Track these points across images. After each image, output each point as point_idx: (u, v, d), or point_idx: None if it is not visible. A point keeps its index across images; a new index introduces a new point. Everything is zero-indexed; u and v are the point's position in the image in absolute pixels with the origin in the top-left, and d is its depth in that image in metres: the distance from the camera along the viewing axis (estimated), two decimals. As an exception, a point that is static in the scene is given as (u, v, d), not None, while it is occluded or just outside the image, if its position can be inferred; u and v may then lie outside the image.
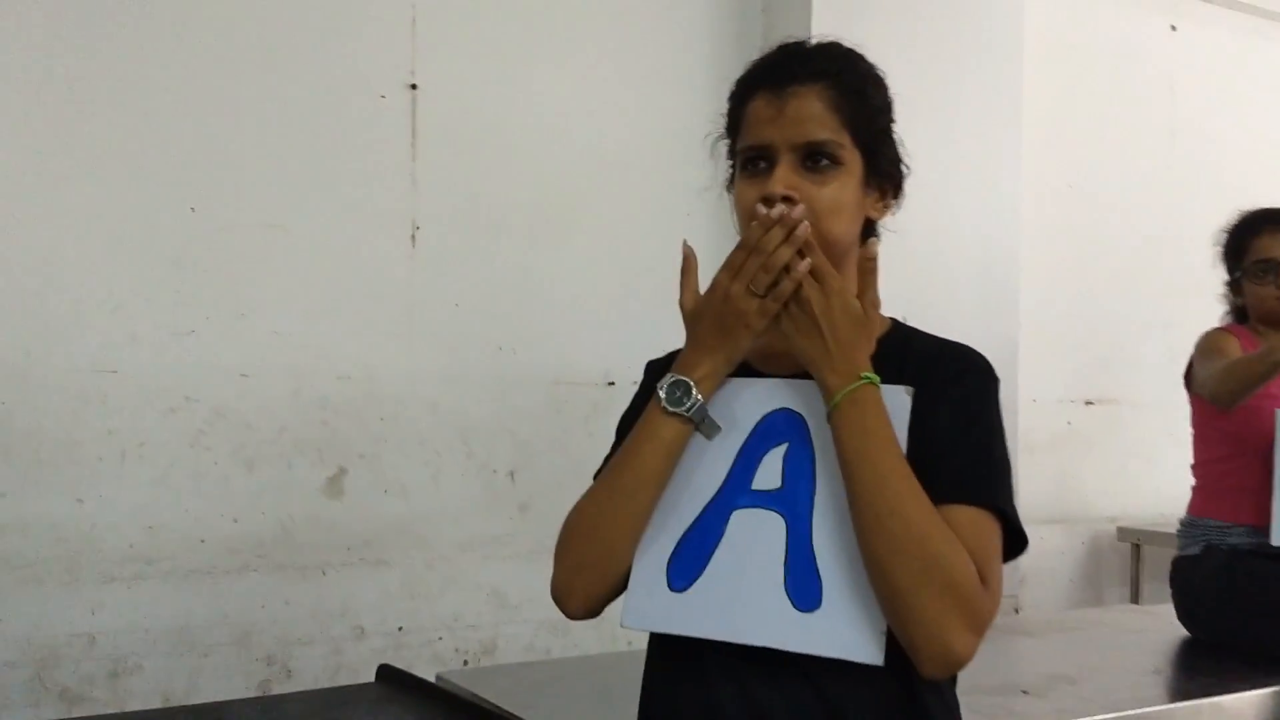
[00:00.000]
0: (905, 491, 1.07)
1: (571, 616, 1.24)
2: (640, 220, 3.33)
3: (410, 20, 2.97)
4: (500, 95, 3.10)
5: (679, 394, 1.17)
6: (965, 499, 1.10)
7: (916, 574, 1.04)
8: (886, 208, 1.25)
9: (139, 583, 2.66)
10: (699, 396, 1.16)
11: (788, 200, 1.14)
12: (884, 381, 1.13)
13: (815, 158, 1.16)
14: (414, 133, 2.98)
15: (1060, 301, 4.09)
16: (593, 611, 1.22)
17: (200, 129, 2.70)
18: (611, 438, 3.13)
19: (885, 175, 1.23)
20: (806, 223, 1.12)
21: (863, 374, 1.11)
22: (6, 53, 2.49)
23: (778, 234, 1.11)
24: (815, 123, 1.15)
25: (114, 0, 2.59)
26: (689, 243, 1.29)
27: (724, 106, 1.33)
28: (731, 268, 1.15)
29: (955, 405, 1.15)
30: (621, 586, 1.22)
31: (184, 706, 1.67)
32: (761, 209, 1.14)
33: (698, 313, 1.21)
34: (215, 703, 1.82)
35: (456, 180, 3.04)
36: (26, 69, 2.51)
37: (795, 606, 1.10)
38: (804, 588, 1.10)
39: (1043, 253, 4.00)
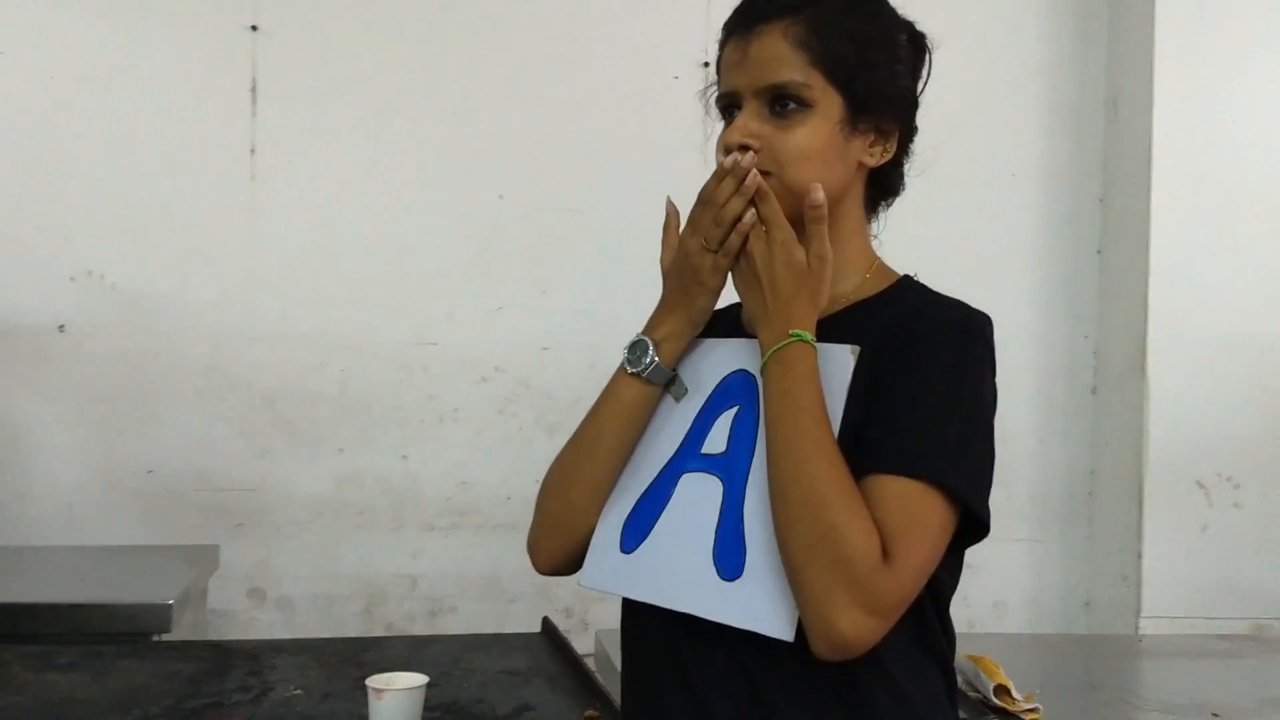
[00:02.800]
0: (811, 456, 0.94)
1: (540, 572, 1.17)
2: (950, 188, 3.03)
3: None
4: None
5: (638, 353, 1.09)
6: (897, 469, 0.94)
7: (809, 545, 0.92)
8: (885, 152, 1.07)
9: (454, 532, 2.89)
10: (655, 357, 1.07)
11: (746, 149, 1.02)
12: (856, 341, 1.00)
13: (781, 101, 1.02)
14: (707, 111, 2.94)
15: None
16: (559, 569, 1.14)
17: (506, 123, 2.87)
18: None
19: (879, 114, 1.05)
20: (755, 171, 1.00)
21: (792, 331, 0.98)
22: (342, 71, 2.81)
23: (729, 185, 1.01)
24: (777, 63, 1.02)
25: (426, 22, 2.85)
26: (669, 201, 1.17)
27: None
28: (691, 223, 1.06)
29: (913, 367, 0.98)
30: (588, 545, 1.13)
31: (348, 639, 1.79)
32: (721, 159, 1.04)
33: (667, 271, 1.12)
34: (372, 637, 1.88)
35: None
36: (355, 83, 2.82)
37: (719, 574, 1.00)
38: (729, 556, 1.00)
39: None
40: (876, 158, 1.07)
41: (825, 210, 1.00)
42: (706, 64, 2.91)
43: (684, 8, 2.92)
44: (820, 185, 1.00)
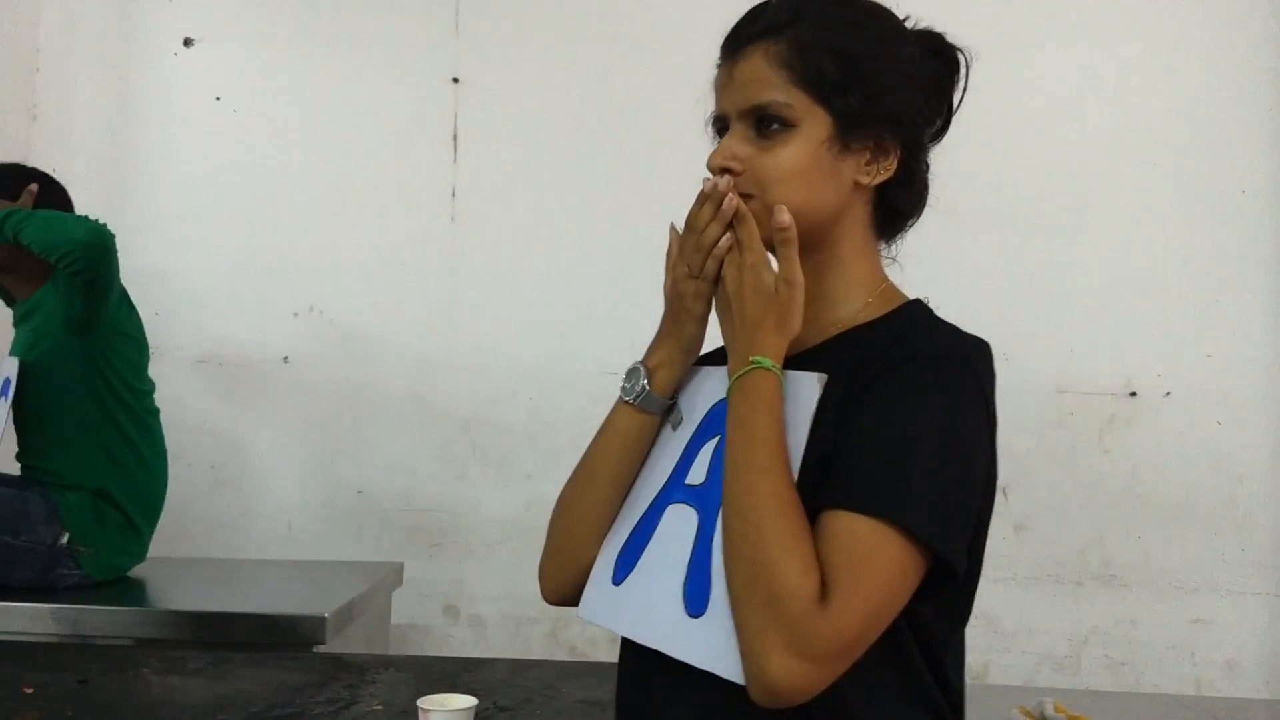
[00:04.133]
0: (755, 488, 0.88)
1: (547, 601, 1.13)
2: (1174, 206, 2.72)
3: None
4: (996, 89, 2.76)
5: (631, 381, 1.05)
6: (849, 504, 0.87)
7: (744, 582, 0.87)
8: (884, 170, 1.00)
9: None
10: (645, 384, 1.03)
11: (727, 172, 0.98)
12: (840, 369, 0.94)
13: (764, 122, 0.98)
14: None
15: None
16: (565, 599, 1.09)
17: (691, 159, 2.85)
18: (1133, 453, 2.65)
19: (873, 131, 0.98)
20: (731, 195, 0.96)
21: (753, 358, 0.93)
22: (536, 119, 2.87)
23: (707, 210, 0.98)
24: (759, 84, 0.98)
25: (617, 72, 2.87)
26: (672, 226, 1.11)
27: None
28: (679, 250, 1.02)
29: (880, 395, 0.91)
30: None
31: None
32: (705, 184, 1.00)
33: (666, 299, 1.06)
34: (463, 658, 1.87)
35: (940, 180, 2.78)
36: (548, 130, 2.88)
37: (686, 610, 0.95)
38: (697, 592, 0.95)
39: None
40: (874, 176, 0.99)
41: (793, 233, 0.94)
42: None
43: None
44: (785, 207, 0.94)
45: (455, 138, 2.90)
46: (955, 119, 2.84)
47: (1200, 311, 2.71)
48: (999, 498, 2.68)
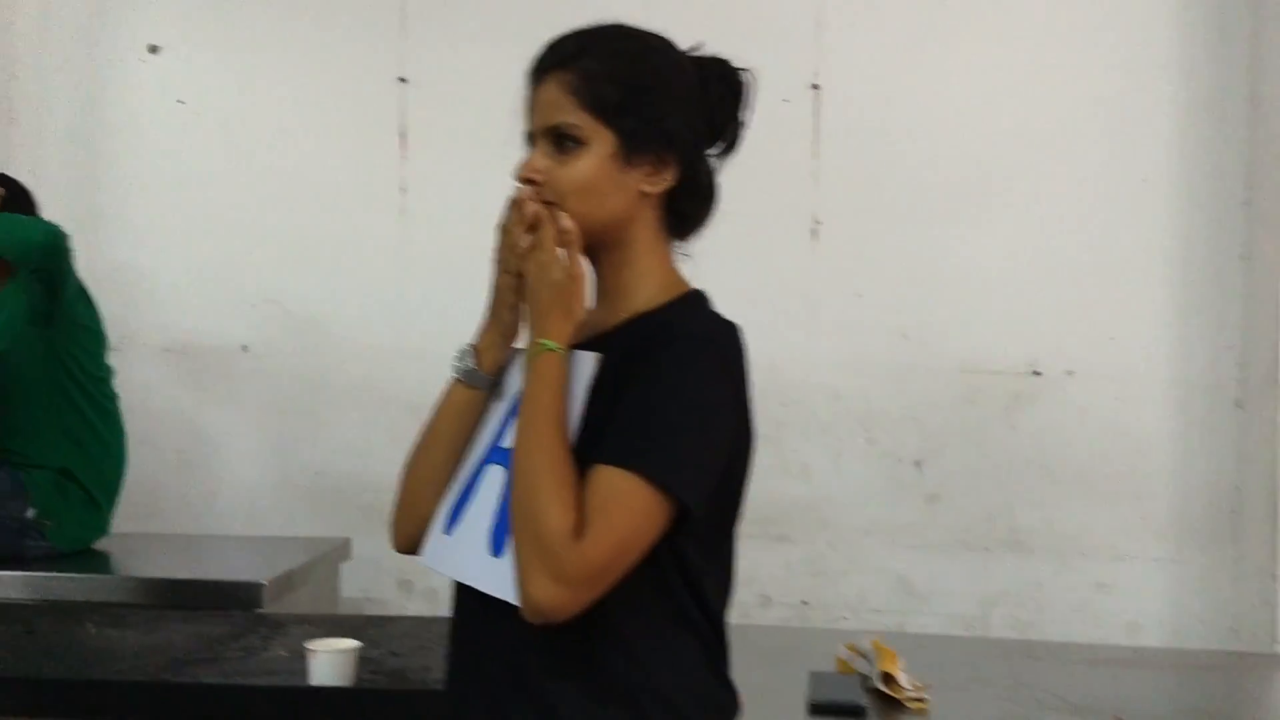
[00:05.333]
0: (533, 449, 1.06)
1: (397, 550, 1.28)
2: (1078, 194, 2.85)
3: (814, 24, 2.93)
4: (907, 84, 2.86)
5: (459, 360, 1.20)
6: (606, 459, 1.04)
7: (518, 524, 1.04)
8: (664, 180, 1.15)
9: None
10: (469, 363, 1.19)
11: (530, 182, 1.13)
12: (629, 348, 1.09)
13: (560, 140, 1.13)
14: (816, 132, 2.93)
15: None
16: (410, 549, 1.24)
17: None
18: (1038, 429, 2.79)
19: (652, 148, 1.13)
20: (531, 201, 1.12)
21: (540, 340, 1.09)
22: (481, 116, 3.00)
23: (514, 214, 1.13)
24: (553, 107, 1.13)
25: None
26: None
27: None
28: (497, 249, 1.17)
29: (646, 372, 1.06)
30: None
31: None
32: (513, 192, 1.15)
33: (490, 291, 1.22)
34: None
35: (859, 173, 2.88)
36: (493, 127, 3.00)
37: (491, 552, 1.11)
38: (499, 536, 1.11)
39: None
40: (656, 186, 1.14)
41: (575, 235, 1.10)
42: (816, 86, 2.91)
43: (794, 32, 2.92)
44: (566, 214, 1.10)
45: (404, 135, 3.03)
46: (877, 115, 2.98)
47: (1102, 295, 2.84)
48: (913, 471, 2.83)
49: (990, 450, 2.82)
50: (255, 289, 3.04)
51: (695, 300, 1.19)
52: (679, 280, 1.21)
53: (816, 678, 1.68)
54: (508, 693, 1.09)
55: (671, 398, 1.05)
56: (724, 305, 2.99)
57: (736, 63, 1.23)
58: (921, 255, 2.86)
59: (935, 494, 2.83)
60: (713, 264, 2.92)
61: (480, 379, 1.18)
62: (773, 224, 2.91)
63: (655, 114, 1.12)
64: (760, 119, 3.05)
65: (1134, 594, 2.80)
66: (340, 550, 2.58)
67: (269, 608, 2.05)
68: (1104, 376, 2.81)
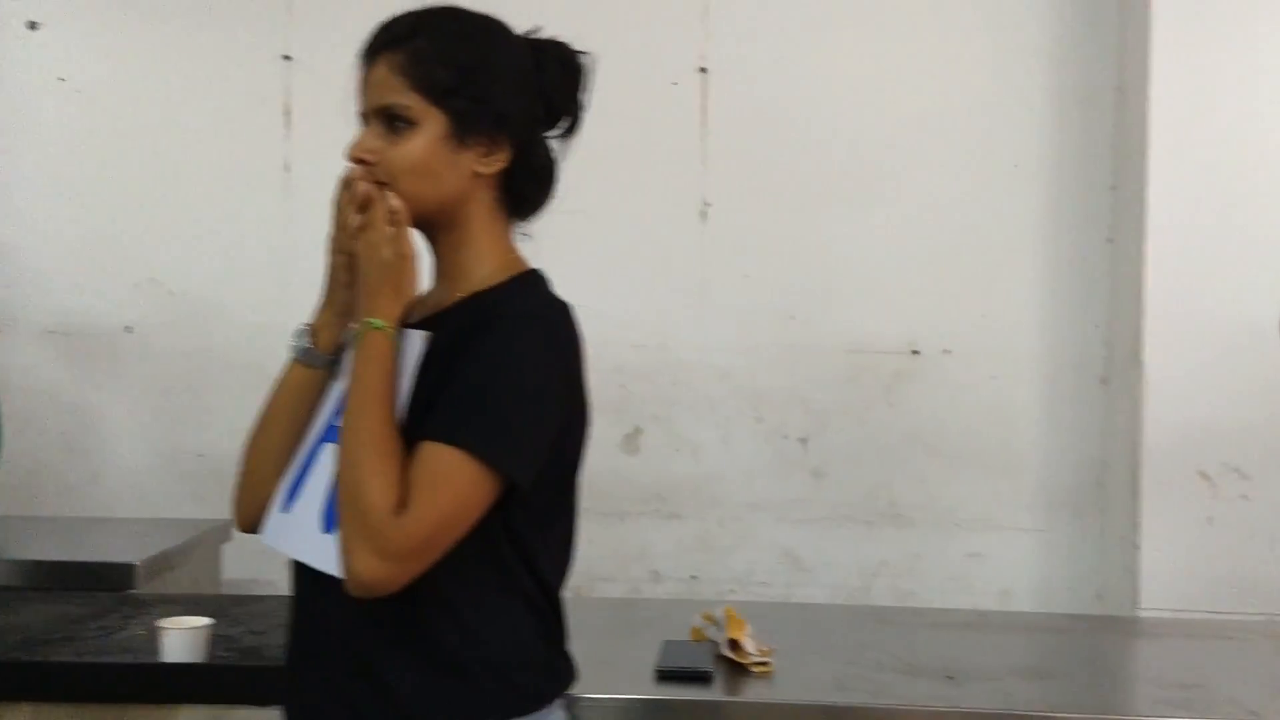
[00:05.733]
0: (358, 427, 1.07)
1: (240, 529, 1.28)
2: (954, 179, 2.94)
3: (703, 6, 2.96)
4: (792, 68, 2.92)
5: (295, 340, 1.21)
6: (431, 435, 1.06)
7: (343, 500, 1.06)
8: (499, 160, 1.16)
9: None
10: (305, 342, 1.19)
11: (362, 162, 1.13)
12: (457, 327, 1.11)
13: (392, 120, 1.13)
14: (704, 114, 2.96)
15: None
16: (252, 527, 1.25)
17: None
18: (917, 406, 2.88)
19: (484, 129, 1.14)
20: (360, 181, 1.12)
21: (367, 319, 1.10)
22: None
23: (345, 194, 1.13)
24: (384, 88, 1.13)
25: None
26: None
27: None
28: (332, 229, 1.18)
29: (475, 350, 1.09)
30: None
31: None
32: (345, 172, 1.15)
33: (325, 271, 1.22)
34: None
35: (747, 157, 2.93)
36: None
37: (323, 528, 1.12)
38: (330, 513, 1.12)
39: None
40: (490, 166, 1.15)
41: (403, 215, 1.11)
42: (704, 69, 2.95)
43: (681, 15, 2.95)
44: (394, 194, 1.11)
45: (288, 113, 2.99)
46: (764, 99, 3.02)
47: (977, 276, 2.93)
48: (799, 448, 2.88)
49: (872, 427, 2.90)
50: (138, 269, 2.97)
51: (529, 280, 1.21)
52: (516, 260, 1.22)
53: (669, 646, 1.72)
54: (343, 668, 1.10)
55: (498, 375, 1.07)
56: (616, 286, 3.05)
57: (575, 45, 1.25)
58: (807, 238, 2.91)
59: (820, 470, 2.90)
60: (604, 245, 2.97)
61: (317, 358, 1.18)
62: (662, 206, 2.95)
63: (487, 95, 1.14)
64: (649, 102, 3.12)
65: (1006, 563, 2.91)
66: (221, 532, 2.54)
67: (143, 589, 2.02)
68: (979, 355, 2.90)
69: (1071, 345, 2.91)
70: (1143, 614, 2.62)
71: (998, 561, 2.91)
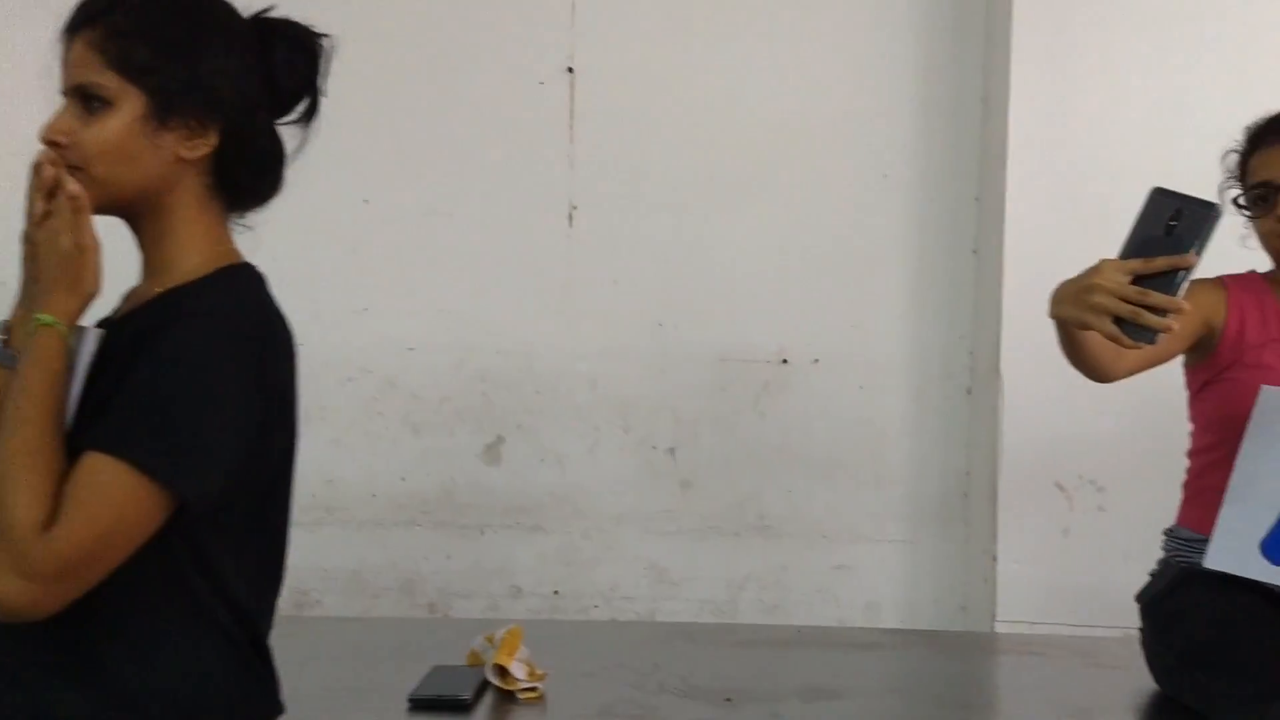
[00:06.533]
0: (11, 433, 0.98)
1: None
2: (824, 189, 2.92)
3: (570, 6, 2.88)
4: (661, 72, 2.85)
5: None
6: (95, 445, 0.98)
7: None
8: (205, 145, 1.08)
9: (319, 528, 2.87)
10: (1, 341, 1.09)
11: (55, 145, 1.06)
12: (152, 324, 1.02)
13: (88, 100, 1.06)
14: (572, 116, 2.88)
15: None
16: None
17: (373, 128, 2.84)
18: (786, 416, 2.85)
19: (188, 110, 1.07)
20: (49, 166, 1.04)
21: (37, 314, 1.02)
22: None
23: (34, 181, 1.06)
24: (79, 66, 1.06)
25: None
26: None
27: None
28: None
29: (145, 349, 1.01)
30: None
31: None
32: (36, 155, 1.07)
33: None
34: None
35: (615, 160, 2.85)
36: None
37: None
38: None
39: None
40: (196, 150, 1.08)
41: (83, 201, 1.02)
42: (571, 69, 2.86)
43: (549, 15, 2.85)
44: (72, 179, 1.02)
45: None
46: (633, 101, 2.94)
47: (846, 286, 2.91)
48: (667, 458, 2.81)
49: (741, 437, 2.85)
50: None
51: (232, 275, 1.11)
52: (226, 253, 1.13)
53: (435, 672, 1.62)
54: (3, 694, 1.01)
55: (173, 378, 0.99)
56: (479, 290, 2.94)
57: (313, 27, 1.17)
58: (677, 244, 2.85)
59: (688, 481, 2.84)
60: (467, 248, 2.86)
61: (8, 357, 1.08)
62: (528, 208, 2.85)
63: (191, 74, 1.06)
64: (515, 102, 3.00)
65: (873, 575, 2.89)
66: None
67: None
68: (847, 365, 2.88)
69: (938, 356, 2.92)
70: (999, 627, 2.63)
71: (865, 574, 2.89)
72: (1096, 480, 2.66)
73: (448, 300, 2.84)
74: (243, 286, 1.10)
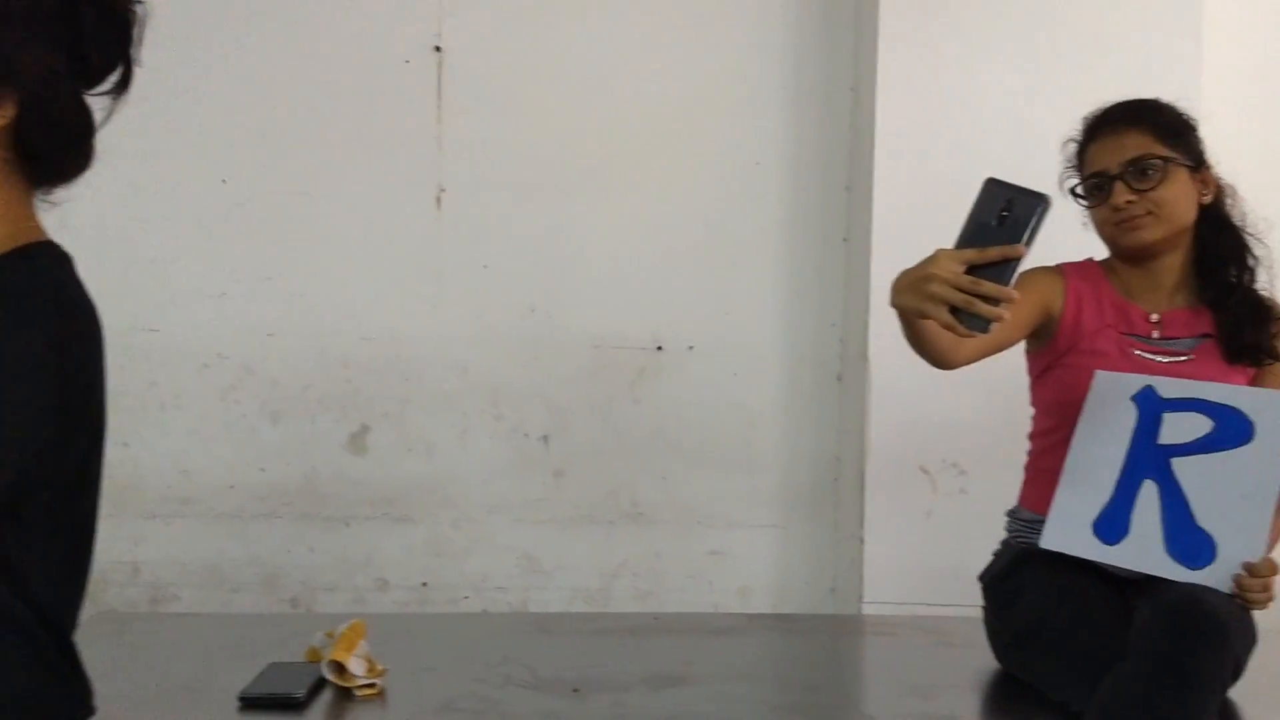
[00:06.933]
0: None
1: None
2: (697, 176, 2.91)
3: (437, -16, 2.80)
4: (532, 53, 2.81)
5: None
6: None
7: None
8: (3, 115, 1.00)
9: (176, 520, 2.75)
10: None
11: None
12: None
13: None
14: (439, 96, 2.81)
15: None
16: None
17: (232, 107, 2.74)
18: (660, 403, 2.83)
19: None
20: None
21: None
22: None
23: None
24: None
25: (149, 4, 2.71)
26: None
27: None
28: None
29: None
30: None
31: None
32: None
33: None
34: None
35: (484, 141, 2.80)
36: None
37: None
38: None
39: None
40: None
41: None
42: (438, 48, 2.79)
43: (416, -9, 2.79)
44: None
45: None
46: (502, 81, 2.87)
47: (721, 272, 2.90)
48: (540, 446, 2.76)
49: (615, 424, 2.83)
50: None
51: (32, 254, 1.03)
52: (27, 230, 1.05)
53: (271, 669, 1.57)
54: None
55: None
56: (344, 275, 2.85)
57: None
58: (549, 228, 2.81)
59: (561, 469, 2.81)
60: (331, 231, 2.77)
61: None
62: (395, 191, 2.77)
63: None
64: (381, 81, 2.92)
65: (746, 560, 2.90)
66: None
67: None
68: (721, 352, 2.88)
69: (810, 343, 2.94)
70: (865, 608, 2.67)
71: (738, 559, 2.90)
72: (959, 464, 2.71)
73: (310, 284, 2.76)
74: (42, 266, 1.02)
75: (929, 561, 2.67)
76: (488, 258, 2.80)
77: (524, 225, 2.79)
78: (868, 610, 2.68)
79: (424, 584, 2.76)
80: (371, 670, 1.55)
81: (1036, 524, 1.63)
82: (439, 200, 2.77)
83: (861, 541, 2.70)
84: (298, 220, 2.75)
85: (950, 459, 2.71)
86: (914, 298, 1.31)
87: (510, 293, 2.78)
